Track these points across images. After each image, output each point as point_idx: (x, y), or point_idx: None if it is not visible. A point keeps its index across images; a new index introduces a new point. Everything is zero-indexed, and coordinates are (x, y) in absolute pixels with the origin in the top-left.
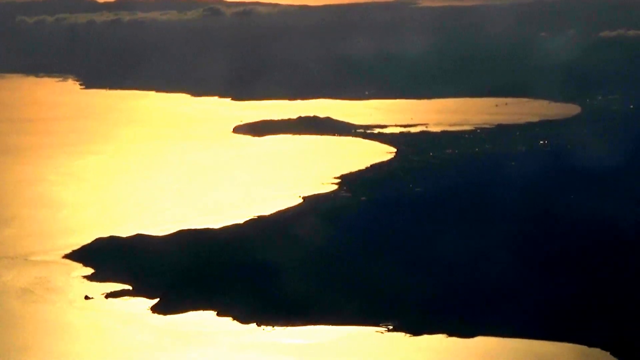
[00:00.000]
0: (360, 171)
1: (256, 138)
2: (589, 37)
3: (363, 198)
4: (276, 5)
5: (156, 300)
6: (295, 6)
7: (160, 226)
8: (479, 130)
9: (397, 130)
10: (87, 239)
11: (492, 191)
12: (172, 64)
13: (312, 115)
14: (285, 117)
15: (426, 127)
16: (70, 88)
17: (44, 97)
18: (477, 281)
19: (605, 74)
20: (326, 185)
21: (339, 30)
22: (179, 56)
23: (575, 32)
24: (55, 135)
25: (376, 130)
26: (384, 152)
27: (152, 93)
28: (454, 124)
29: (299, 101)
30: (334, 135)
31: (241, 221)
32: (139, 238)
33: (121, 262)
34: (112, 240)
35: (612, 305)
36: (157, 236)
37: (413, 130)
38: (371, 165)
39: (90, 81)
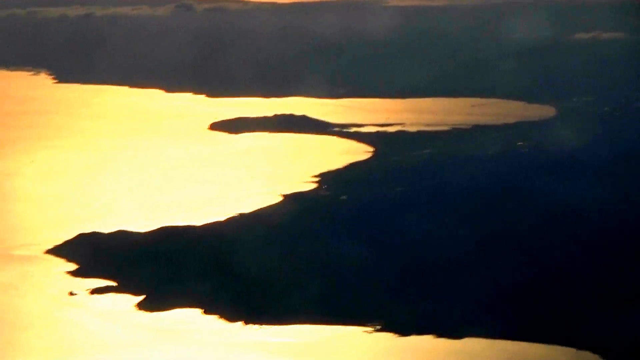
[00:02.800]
0: (339, 170)
1: (233, 135)
2: (564, 39)
3: (343, 197)
4: (247, 2)
5: (142, 297)
6: (265, 3)
7: (141, 222)
8: (455, 131)
9: (374, 129)
10: (69, 234)
11: (474, 191)
12: (144, 59)
13: (288, 113)
14: (261, 114)
15: (403, 126)
16: (43, 82)
17: (16, 91)
18: (465, 282)
19: (580, 76)
20: (305, 183)
21: (309, 28)
22: (151, 51)
23: (550, 34)
24: (29, 129)
25: (352, 129)
26: (361, 151)
27: (126, 88)
28: (431, 124)
29: (273, 99)
30: (311, 133)
31: (222, 218)
32: (122, 234)
33: (105, 258)
34: (95, 236)
35: (602, 307)
36: (140, 232)
37: (390, 129)
38: (350, 164)
39: (63, 75)
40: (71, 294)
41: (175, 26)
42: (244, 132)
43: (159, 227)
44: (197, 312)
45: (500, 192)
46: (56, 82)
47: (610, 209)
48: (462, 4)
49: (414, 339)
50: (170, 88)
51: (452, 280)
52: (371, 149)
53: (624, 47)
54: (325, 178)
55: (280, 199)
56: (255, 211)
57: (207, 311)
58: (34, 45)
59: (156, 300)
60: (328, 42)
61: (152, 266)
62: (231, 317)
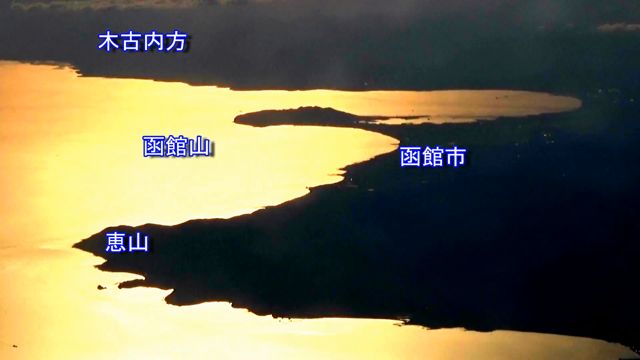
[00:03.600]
0: (365, 162)
1: (258, 128)
2: (588, 30)
3: (370, 189)
4: None
5: (170, 290)
6: None
7: (168, 216)
8: (481, 123)
9: (399, 121)
10: (96, 228)
11: (500, 182)
12: (169, 53)
13: (313, 105)
14: (286, 107)
15: (428, 119)
16: (67, 76)
17: (40, 84)
18: (494, 274)
19: (605, 68)
20: (331, 176)
21: (333, 21)
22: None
23: (574, 25)
24: (54, 123)
25: (378, 122)
26: (387, 144)
27: (151, 82)
28: (456, 116)
29: (298, 92)
30: (336, 126)
31: (250, 211)
32: (149, 228)
33: (133, 251)
34: (122, 230)
35: (632, 299)
36: (168, 226)
37: (415, 122)
38: (375, 157)
39: (87, 69)
40: (99, 287)
41: (199, 20)
42: (269, 125)
43: (186, 220)
44: (226, 305)
45: (526, 183)
46: (80, 76)
47: (636, 199)
48: None
49: (443, 332)
50: (194, 81)
51: (481, 272)
52: (397, 141)
53: None
54: (352, 170)
55: (307, 191)
56: (282, 204)
57: (236, 304)
58: (58, 38)
59: (184, 293)
60: (353, 35)
61: (179, 260)
62: (259, 310)
